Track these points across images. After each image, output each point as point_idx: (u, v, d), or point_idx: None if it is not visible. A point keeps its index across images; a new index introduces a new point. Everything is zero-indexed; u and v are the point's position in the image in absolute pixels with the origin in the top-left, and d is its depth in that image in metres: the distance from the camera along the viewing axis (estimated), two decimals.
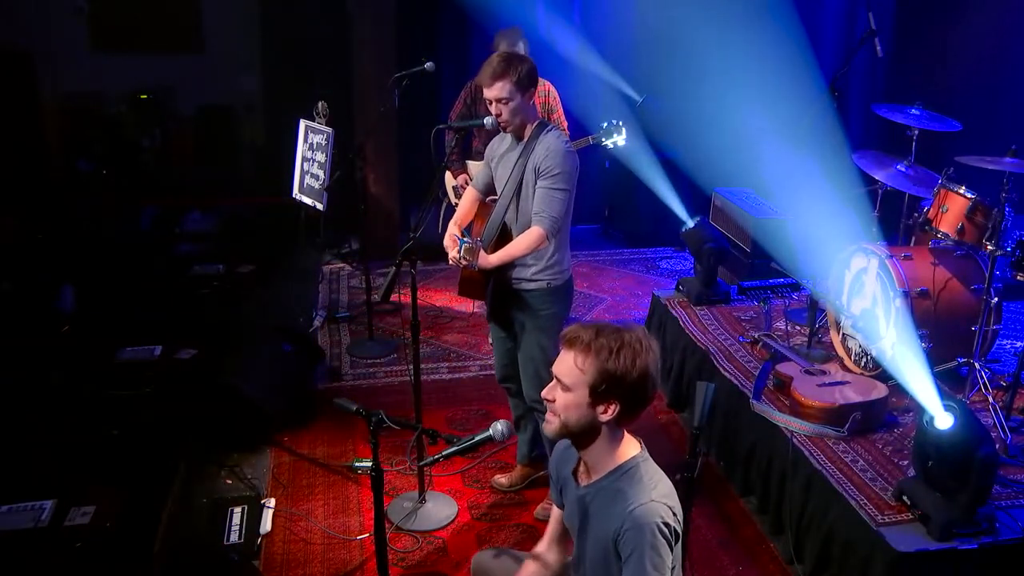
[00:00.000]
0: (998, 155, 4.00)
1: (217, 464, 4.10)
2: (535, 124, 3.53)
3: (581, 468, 2.39)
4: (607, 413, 2.23)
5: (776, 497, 3.75)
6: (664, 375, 4.93)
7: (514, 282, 3.63)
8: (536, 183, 3.47)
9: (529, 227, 3.50)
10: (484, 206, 3.79)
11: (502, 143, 3.68)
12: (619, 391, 2.21)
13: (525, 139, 3.53)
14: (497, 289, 3.67)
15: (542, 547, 2.63)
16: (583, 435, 2.30)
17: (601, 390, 2.21)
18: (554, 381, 2.29)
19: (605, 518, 2.27)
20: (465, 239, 3.50)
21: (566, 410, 2.26)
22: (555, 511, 2.61)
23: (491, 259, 3.52)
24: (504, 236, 3.61)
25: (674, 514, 2.24)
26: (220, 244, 6.46)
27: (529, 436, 3.97)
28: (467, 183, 5.14)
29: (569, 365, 2.24)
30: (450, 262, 3.54)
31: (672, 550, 2.22)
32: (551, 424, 2.31)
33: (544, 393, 2.32)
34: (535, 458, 3.99)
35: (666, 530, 2.19)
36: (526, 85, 3.42)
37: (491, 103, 3.48)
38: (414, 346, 3.85)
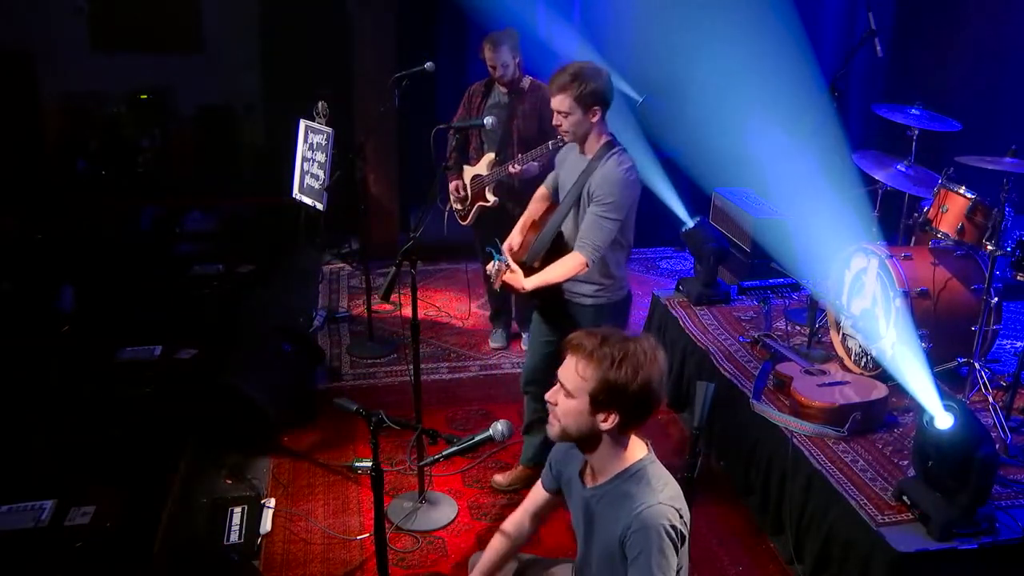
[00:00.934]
0: (998, 155, 4.00)
1: (217, 464, 4.10)
2: (603, 143, 3.46)
3: (587, 470, 2.39)
4: (607, 422, 2.22)
5: (776, 497, 3.75)
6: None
7: (568, 294, 3.64)
8: (589, 206, 3.46)
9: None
10: (546, 213, 3.76)
11: (570, 151, 3.66)
12: (619, 402, 2.19)
13: (589, 156, 3.49)
14: (550, 297, 3.67)
15: (515, 517, 2.64)
16: (584, 441, 2.29)
17: (601, 399, 2.19)
18: (558, 385, 2.27)
19: (612, 520, 2.27)
20: (501, 256, 3.50)
21: (566, 416, 2.25)
22: (537, 490, 2.61)
23: (527, 284, 3.51)
24: (558, 245, 3.59)
25: (681, 516, 2.23)
26: (220, 244, 6.46)
27: (539, 441, 3.94)
28: (458, 190, 5.15)
29: (571, 371, 2.22)
30: (488, 272, 3.59)
31: (678, 552, 2.21)
32: (553, 427, 2.31)
33: (547, 395, 2.31)
34: (538, 463, 3.97)
35: (673, 533, 2.19)
36: (588, 103, 3.35)
37: (554, 112, 3.45)
38: (414, 346, 3.84)
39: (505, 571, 2.63)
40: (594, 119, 3.40)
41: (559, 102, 3.38)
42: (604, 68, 3.42)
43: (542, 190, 3.85)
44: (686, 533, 2.26)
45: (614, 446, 2.28)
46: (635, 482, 2.26)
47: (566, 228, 3.60)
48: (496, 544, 2.62)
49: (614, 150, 3.46)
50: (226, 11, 7.50)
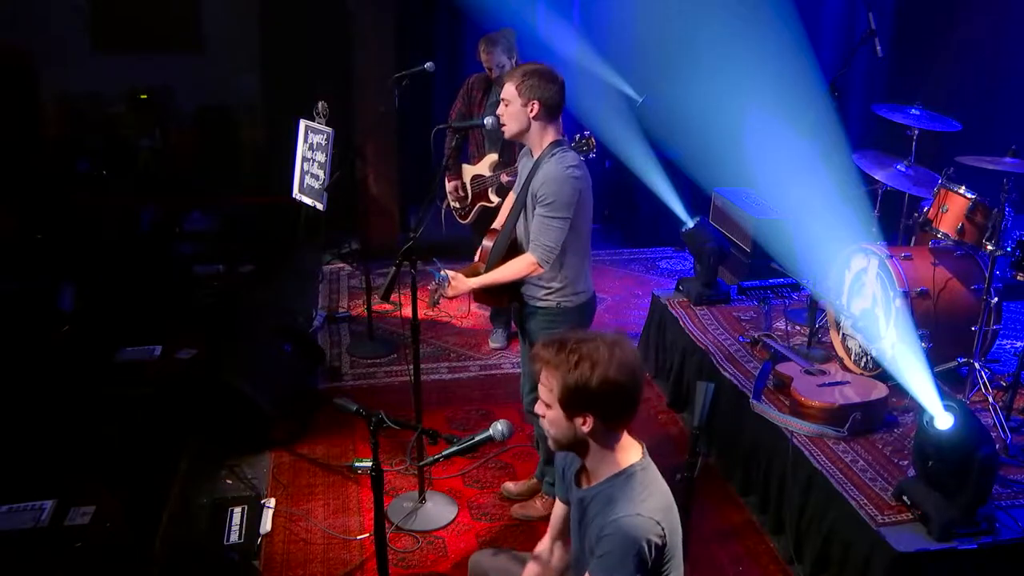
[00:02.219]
0: (998, 155, 4.00)
1: (217, 464, 4.10)
2: (549, 143, 3.46)
3: (583, 471, 2.40)
4: (585, 425, 2.23)
5: (776, 497, 3.75)
6: (664, 375, 4.93)
7: (525, 297, 3.63)
8: (535, 208, 3.45)
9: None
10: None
11: (527, 154, 3.66)
12: (587, 402, 2.20)
13: (536, 155, 3.50)
14: (518, 304, 3.68)
15: (543, 545, 2.63)
16: (576, 446, 2.31)
17: (569, 404, 2.21)
18: (539, 400, 2.31)
19: (598, 523, 2.27)
20: (440, 274, 3.47)
21: (551, 426, 2.29)
22: (559, 508, 2.61)
23: (471, 283, 3.50)
24: (513, 250, 3.58)
25: (662, 529, 2.21)
26: (220, 244, 6.46)
27: (548, 456, 3.93)
28: (457, 190, 5.15)
29: (541, 383, 2.26)
30: (429, 293, 3.57)
31: (645, 571, 2.18)
32: (548, 439, 2.35)
33: (536, 409, 2.34)
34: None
35: (645, 548, 2.16)
36: (528, 95, 3.37)
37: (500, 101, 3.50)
38: (414, 346, 3.84)
39: (513, 573, 2.64)
40: (531, 113, 3.40)
41: (504, 90, 3.44)
42: (559, 78, 3.43)
43: (511, 196, 3.83)
44: (665, 543, 2.22)
45: (603, 448, 2.29)
46: (620, 487, 2.26)
47: (519, 231, 3.59)
48: (530, 571, 2.62)
49: (558, 149, 3.44)
50: (226, 11, 7.49)
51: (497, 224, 3.76)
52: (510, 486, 4.07)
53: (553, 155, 3.42)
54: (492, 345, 5.49)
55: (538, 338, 3.52)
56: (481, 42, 4.86)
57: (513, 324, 5.51)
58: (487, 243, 3.69)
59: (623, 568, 2.16)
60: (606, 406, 2.22)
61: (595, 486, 2.32)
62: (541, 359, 2.24)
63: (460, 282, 3.49)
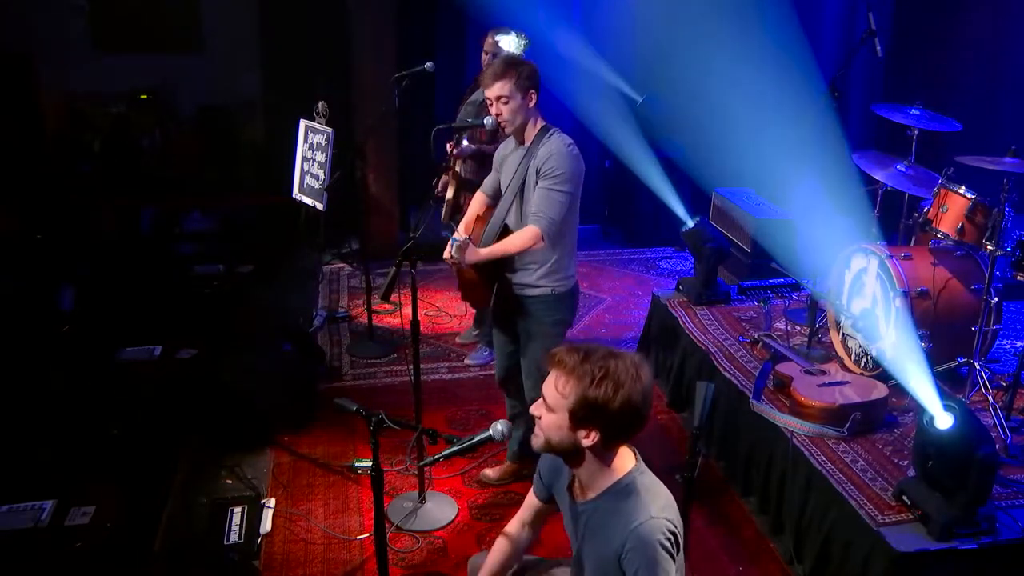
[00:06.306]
0: (998, 155, 4.00)
1: (217, 464, 4.10)
2: (539, 128, 3.53)
3: (576, 484, 2.38)
4: (588, 439, 2.20)
5: (776, 497, 3.75)
6: (664, 375, 4.93)
7: (516, 288, 3.63)
8: (537, 184, 3.47)
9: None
10: (489, 210, 3.79)
11: (507, 146, 3.71)
12: (599, 419, 2.17)
13: (528, 143, 3.54)
14: (501, 295, 3.68)
15: (513, 526, 2.64)
16: (568, 455, 2.29)
17: (580, 416, 2.18)
18: (541, 399, 2.27)
19: (605, 536, 2.26)
20: (457, 237, 3.50)
21: (549, 430, 2.25)
22: (531, 498, 2.62)
23: (480, 253, 3.53)
24: (505, 237, 3.60)
25: (674, 526, 2.23)
26: (220, 244, 6.47)
27: (521, 434, 3.95)
28: (446, 187, 5.16)
29: (552, 386, 2.22)
30: (445, 260, 3.56)
31: (675, 561, 2.21)
32: (537, 439, 2.31)
33: (532, 409, 2.31)
34: (524, 456, 3.99)
35: (668, 544, 2.19)
36: (526, 87, 3.44)
37: (491, 103, 3.51)
38: (414, 346, 3.84)
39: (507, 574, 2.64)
40: (531, 104, 3.47)
41: (499, 88, 3.44)
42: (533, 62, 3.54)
43: (479, 195, 3.85)
44: (680, 540, 2.25)
45: (600, 460, 2.26)
46: (625, 496, 2.24)
47: (510, 220, 3.62)
48: (499, 548, 2.63)
49: (552, 131, 3.51)
50: (226, 11, 7.49)
51: (474, 213, 3.77)
52: (488, 472, 4.11)
53: (550, 135, 3.49)
54: (468, 362, 5.30)
55: (541, 327, 3.61)
56: (492, 31, 4.93)
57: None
58: (477, 230, 3.67)
59: (663, 573, 2.17)
60: (617, 426, 2.20)
61: (594, 499, 2.30)
62: (563, 364, 2.19)
63: (472, 252, 3.50)
